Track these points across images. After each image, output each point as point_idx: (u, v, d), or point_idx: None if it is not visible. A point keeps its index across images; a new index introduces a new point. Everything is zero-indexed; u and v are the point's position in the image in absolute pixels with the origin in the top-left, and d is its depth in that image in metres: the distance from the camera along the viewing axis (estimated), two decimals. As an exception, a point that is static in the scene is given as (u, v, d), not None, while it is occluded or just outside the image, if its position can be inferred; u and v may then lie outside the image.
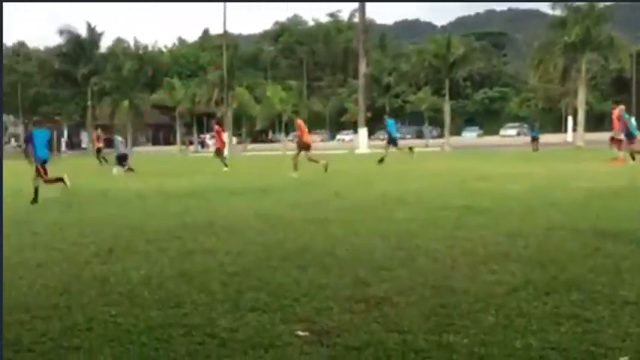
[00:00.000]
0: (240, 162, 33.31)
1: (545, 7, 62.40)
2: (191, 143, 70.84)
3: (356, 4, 64.11)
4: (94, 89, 67.45)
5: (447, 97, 54.69)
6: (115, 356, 4.07)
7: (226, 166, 25.43)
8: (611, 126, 24.78)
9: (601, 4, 48.98)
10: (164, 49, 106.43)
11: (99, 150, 34.64)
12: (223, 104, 58.19)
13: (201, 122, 77.49)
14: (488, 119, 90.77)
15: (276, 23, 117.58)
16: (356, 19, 75.36)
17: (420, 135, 73.18)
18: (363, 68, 50.28)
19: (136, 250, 7.62)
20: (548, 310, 4.83)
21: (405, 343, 4.18)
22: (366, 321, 4.65)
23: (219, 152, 27.30)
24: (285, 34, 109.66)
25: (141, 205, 12.83)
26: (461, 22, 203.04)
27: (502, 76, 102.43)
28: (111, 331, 4.55)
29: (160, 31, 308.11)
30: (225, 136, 56.63)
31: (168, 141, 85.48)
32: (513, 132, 76.11)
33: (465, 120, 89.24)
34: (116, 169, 25.34)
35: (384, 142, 29.52)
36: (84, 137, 77.42)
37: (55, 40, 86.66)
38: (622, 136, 22.90)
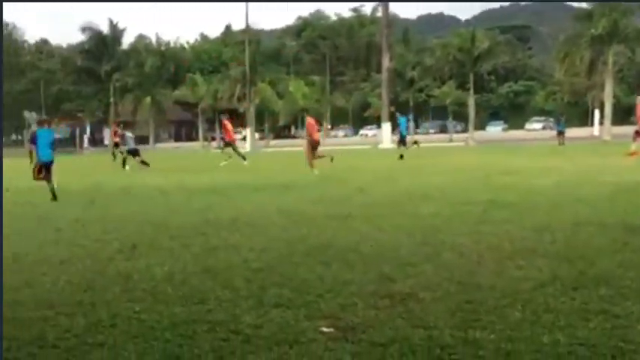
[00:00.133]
0: (262, 158, 33.33)
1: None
2: (213, 139, 71.07)
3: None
4: (117, 86, 67.89)
5: (471, 91, 54.36)
6: (138, 352, 4.06)
7: (244, 159, 25.30)
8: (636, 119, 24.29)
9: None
10: (186, 45, 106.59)
11: (116, 145, 34.83)
12: (246, 100, 58.33)
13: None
14: (513, 113, 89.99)
15: (299, 18, 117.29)
16: (379, 14, 74.96)
17: (443, 129, 72.75)
18: (386, 62, 50.11)
19: (160, 246, 7.63)
20: (576, 305, 4.77)
21: (431, 339, 4.14)
22: (391, 317, 4.61)
23: (227, 145, 27.12)
24: (308, 29, 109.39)
25: (164, 202, 12.87)
26: (485, 16, 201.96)
27: (527, 69, 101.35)
28: (135, 327, 4.55)
29: (182, 27, 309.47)
30: (249, 132, 57.11)
31: (191, 137, 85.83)
32: (539, 126, 75.40)
33: (489, 114, 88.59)
34: (129, 166, 25.38)
35: (396, 140, 29.39)
36: (106, 134, 78.04)
37: (78, 37, 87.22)
38: None
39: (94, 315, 4.84)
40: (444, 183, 14.85)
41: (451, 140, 53.51)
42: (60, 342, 4.28)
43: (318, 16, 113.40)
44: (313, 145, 20.58)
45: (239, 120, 79.97)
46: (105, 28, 70.95)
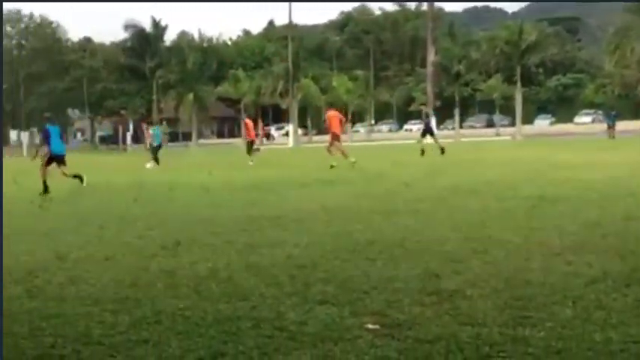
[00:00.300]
0: (305, 153, 33.38)
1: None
2: (256, 135, 71.37)
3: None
4: (159, 83, 68.36)
5: (518, 85, 53.55)
6: (183, 349, 4.04)
7: (251, 161, 25.05)
8: None
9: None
10: (229, 42, 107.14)
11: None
12: (288, 96, 58.45)
13: (267, 114, 77.89)
14: (562, 107, 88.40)
15: (342, 13, 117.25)
16: (424, 8, 74.46)
17: (490, 124, 71.92)
18: (431, 57, 49.84)
19: (203, 242, 7.62)
20: (629, 302, 4.63)
21: (479, 336, 4.05)
22: (437, 314, 4.53)
23: (250, 145, 27.20)
24: (351, 24, 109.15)
25: (207, 198, 12.91)
26: (532, 8, 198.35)
27: (576, 61, 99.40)
28: (179, 324, 4.54)
29: (224, 23, 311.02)
30: (291, 128, 57.25)
31: (233, 134, 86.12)
32: (588, 119, 74.12)
33: (537, 108, 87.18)
34: (150, 164, 25.46)
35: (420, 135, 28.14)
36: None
37: (121, 35, 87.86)
38: None
39: (139, 311, 4.84)
40: (491, 178, 14.66)
41: (498, 134, 52.86)
42: (104, 339, 4.29)
43: (362, 10, 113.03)
44: (334, 137, 20.76)
45: (282, 116, 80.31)
46: (147, 26, 71.62)
